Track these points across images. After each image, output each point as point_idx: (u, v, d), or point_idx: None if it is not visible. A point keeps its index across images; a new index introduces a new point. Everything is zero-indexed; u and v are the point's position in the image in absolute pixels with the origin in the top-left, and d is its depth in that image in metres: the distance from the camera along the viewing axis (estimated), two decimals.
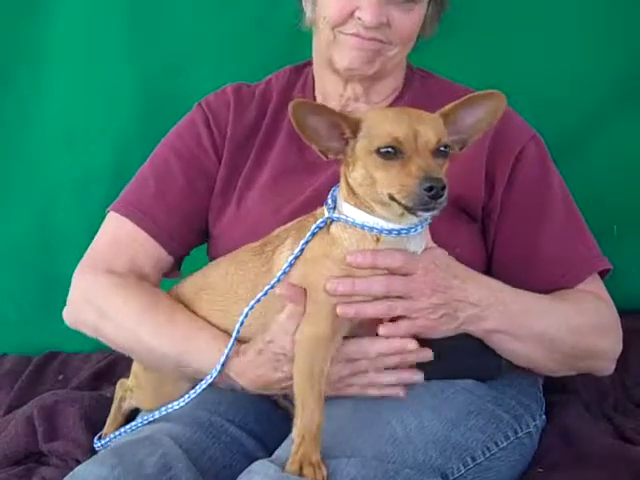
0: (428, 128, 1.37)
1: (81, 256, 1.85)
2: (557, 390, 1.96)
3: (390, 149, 1.36)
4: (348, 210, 1.45)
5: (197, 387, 1.60)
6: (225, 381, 1.62)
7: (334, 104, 1.82)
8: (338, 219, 1.46)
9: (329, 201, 1.50)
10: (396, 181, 1.35)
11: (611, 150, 2.48)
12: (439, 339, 1.54)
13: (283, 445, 1.55)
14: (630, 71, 2.44)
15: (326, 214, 1.48)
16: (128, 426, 1.73)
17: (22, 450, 1.92)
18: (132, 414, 1.79)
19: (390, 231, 1.43)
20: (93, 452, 1.80)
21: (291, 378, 1.49)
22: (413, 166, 1.34)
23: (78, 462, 1.65)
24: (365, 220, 1.43)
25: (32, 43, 2.47)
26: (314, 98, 1.89)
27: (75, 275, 1.81)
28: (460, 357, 1.61)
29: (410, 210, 1.36)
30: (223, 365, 1.56)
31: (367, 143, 1.39)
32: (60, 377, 2.40)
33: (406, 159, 1.35)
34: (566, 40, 2.40)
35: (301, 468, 1.38)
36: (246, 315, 1.54)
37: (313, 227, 1.48)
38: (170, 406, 1.65)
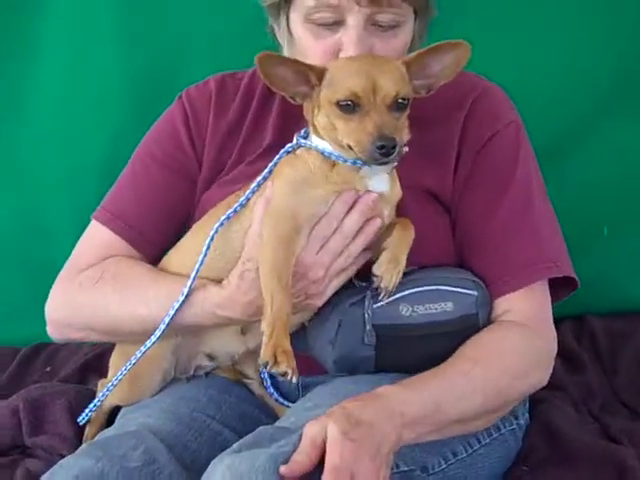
0: (388, 80, 1.44)
1: (70, 249, 1.84)
2: (544, 387, 1.95)
3: (349, 102, 1.44)
4: (315, 140, 1.55)
5: (166, 318, 1.59)
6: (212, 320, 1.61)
7: None
8: (305, 144, 1.55)
9: (302, 132, 1.58)
10: (353, 135, 1.44)
11: (604, 149, 2.48)
12: (416, 329, 1.56)
13: None
14: (625, 70, 2.43)
15: (295, 141, 1.57)
16: (100, 394, 1.73)
17: (7, 442, 1.91)
18: (114, 412, 1.80)
19: (346, 159, 1.50)
20: (78, 447, 1.79)
21: None
22: (369, 122, 1.42)
23: (63, 456, 1.64)
24: (325, 147, 1.52)
25: (22, 40, 2.46)
26: None
27: (54, 286, 1.79)
28: (436, 344, 1.59)
29: (364, 162, 1.47)
30: (190, 287, 1.58)
31: (329, 94, 1.47)
32: (47, 369, 2.39)
33: (364, 113, 1.43)
34: (563, 36, 2.41)
35: (275, 356, 1.38)
36: (216, 231, 1.57)
37: (282, 151, 1.57)
38: (144, 346, 1.62)
